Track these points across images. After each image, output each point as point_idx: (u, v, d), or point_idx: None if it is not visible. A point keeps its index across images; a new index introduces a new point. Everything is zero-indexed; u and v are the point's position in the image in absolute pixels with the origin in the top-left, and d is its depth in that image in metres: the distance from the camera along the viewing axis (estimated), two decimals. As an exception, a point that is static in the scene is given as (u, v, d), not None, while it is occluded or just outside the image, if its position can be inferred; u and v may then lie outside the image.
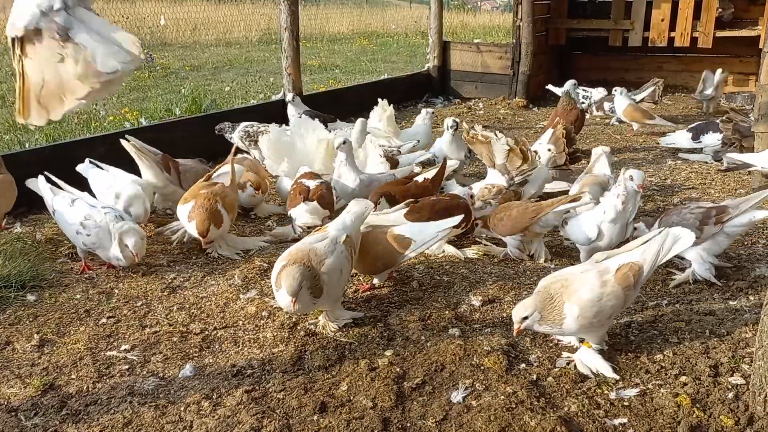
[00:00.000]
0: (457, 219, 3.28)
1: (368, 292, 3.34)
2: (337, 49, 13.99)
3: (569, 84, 6.34)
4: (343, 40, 15.83)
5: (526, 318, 2.61)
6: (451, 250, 3.78)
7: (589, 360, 2.67)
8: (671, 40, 8.41)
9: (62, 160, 4.58)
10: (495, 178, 4.24)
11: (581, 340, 2.76)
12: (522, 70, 8.35)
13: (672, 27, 8.35)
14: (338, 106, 7.12)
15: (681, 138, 5.95)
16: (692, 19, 8.21)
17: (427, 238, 3.23)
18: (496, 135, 4.23)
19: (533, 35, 8.27)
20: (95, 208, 3.45)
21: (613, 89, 6.97)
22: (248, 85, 9.10)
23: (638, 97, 7.21)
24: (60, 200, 3.57)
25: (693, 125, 5.96)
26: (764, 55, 5.07)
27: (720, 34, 8.18)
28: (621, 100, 6.82)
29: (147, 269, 3.59)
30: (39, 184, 3.73)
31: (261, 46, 13.95)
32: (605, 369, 2.62)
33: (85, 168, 4.18)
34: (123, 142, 4.15)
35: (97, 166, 4.15)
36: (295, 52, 6.41)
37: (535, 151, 4.46)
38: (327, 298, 2.85)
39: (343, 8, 18.95)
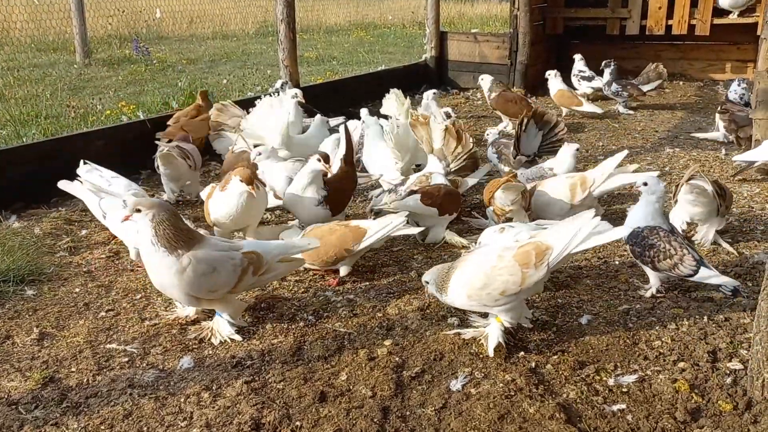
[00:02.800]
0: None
1: (337, 285, 3.30)
2: (334, 41, 13.93)
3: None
4: (340, 31, 15.76)
5: (428, 282, 2.73)
6: (456, 239, 3.79)
7: (491, 337, 2.66)
8: (669, 27, 8.37)
9: (60, 154, 4.58)
10: (434, 166, 4.22)
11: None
12: (519, 59, 8.33)
13: (669, 15, 8.31)
14: (336, 97, 7.11)
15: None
16: (690, 6, 8.18)
17: (383, 226, 3.25)
18: (435, 117, 4.27)
19: (530, 25, 8.24)
20: None
21: (546, 72, 6.96)
22: (245, 77, 9.07)
23: (645, 89, 7.16)
24: (110, 202, 3.47)
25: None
26: (762, 41, 5.07)
27: (718, 21, 8.14)
28: (554, 84, 6.86)
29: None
30: (78, 190, 3.62)
31: (258, 39, 13.89)
32: (491, 346, 2.64)
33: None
34: (159, 157, 4.26)
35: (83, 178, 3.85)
36: (292, 44, 6.38)
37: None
38: (178, 285, 2.68)
39: (340, -1, 18.87)
